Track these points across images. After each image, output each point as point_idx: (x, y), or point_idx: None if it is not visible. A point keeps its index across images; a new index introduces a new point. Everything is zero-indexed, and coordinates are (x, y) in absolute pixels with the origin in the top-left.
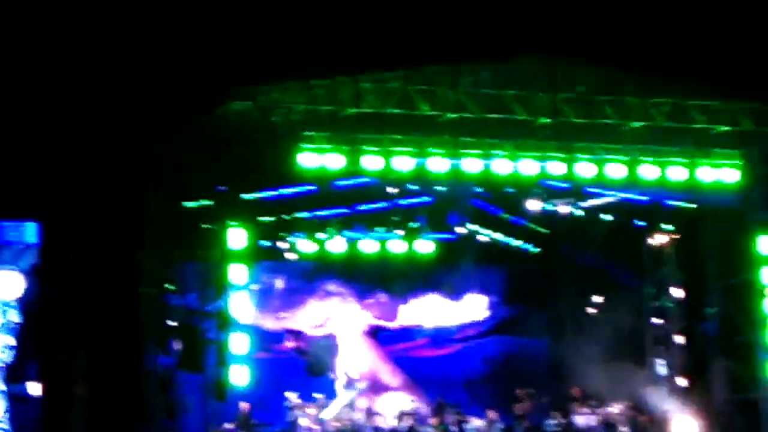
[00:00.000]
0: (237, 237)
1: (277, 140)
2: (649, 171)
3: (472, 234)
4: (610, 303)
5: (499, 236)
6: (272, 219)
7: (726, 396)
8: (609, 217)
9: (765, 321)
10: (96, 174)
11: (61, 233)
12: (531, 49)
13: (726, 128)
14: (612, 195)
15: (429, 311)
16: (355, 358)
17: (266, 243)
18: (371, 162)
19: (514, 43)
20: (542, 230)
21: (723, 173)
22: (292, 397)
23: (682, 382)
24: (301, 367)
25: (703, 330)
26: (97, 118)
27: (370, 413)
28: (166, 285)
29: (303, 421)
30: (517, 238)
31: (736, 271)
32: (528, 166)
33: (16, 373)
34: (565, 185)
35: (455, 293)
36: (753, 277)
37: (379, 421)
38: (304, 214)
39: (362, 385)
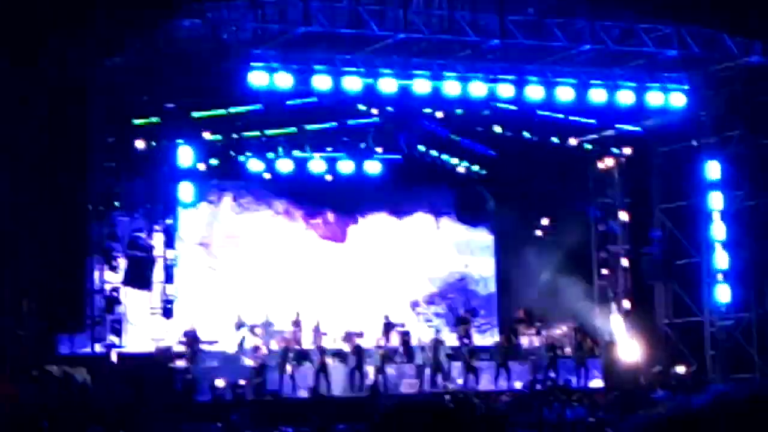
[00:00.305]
0: (185, 155)
1: (227, 59)
2: (597, 94)
3: (421, 155)
4: (556, 226)
5: (447, 157)
6: (221, 138)
7: (669, 319)
8: (556, 140)
9: (708, 244)
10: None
11: (6, 152)
12: None
13: (674, 53)
14: (560, 118)
15: (377, 231)
16: (302, 277)
17: (215, 161)
18: (321, 82)
19: None
20: (490, 152)
21: (670, 97)
22: (238, 315)
23: (626, 304)
24: (249, 285)
25: (647, 253)
26: (40, 31)
27: (315, 332)
28: (114, 202)
29: (249, 340)
30: (465, 160)
31: (681, 195)
32: (477, 88)
33: None
34: (514, 108)
35: (402, 213)
36: (698, 201)
37: (325, 341)
38: (253, 133)
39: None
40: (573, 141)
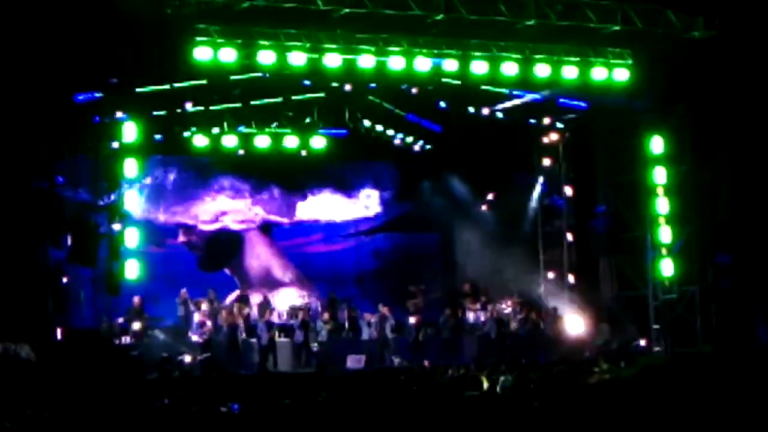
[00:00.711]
0: (129, 130)
1: (171, 32)
2: (542, 69)
3: (366, 130)
4: (501, 200)
5: (391, 132)
6: (165, 113)
7: (614, 292)
8: (501, 115)
9: (653, 219)
10: None
11: None
12: None
13: (617, 27)
14: (504, 93)
15: (322, 207)
16: (248, 254)
17: (159, 137)
18: (265, 56)
19: None
20: (435, 127)
21: (614, 72)
22: (183, 292)
23: (571, 278)
24: (194, 261)
25: (592, 227)
26: None
27: (262, 308)
28: (58, 178)
29: (195, 316)
30: (410, 135)
31: (626, 170)
32: (422, 63)
33: None
34: (458, 82)
35: (348, 189)
36: (642, 175)
37: (273, 316)
38: (198, 108)
39: (255, 280)
40: (517, 115)
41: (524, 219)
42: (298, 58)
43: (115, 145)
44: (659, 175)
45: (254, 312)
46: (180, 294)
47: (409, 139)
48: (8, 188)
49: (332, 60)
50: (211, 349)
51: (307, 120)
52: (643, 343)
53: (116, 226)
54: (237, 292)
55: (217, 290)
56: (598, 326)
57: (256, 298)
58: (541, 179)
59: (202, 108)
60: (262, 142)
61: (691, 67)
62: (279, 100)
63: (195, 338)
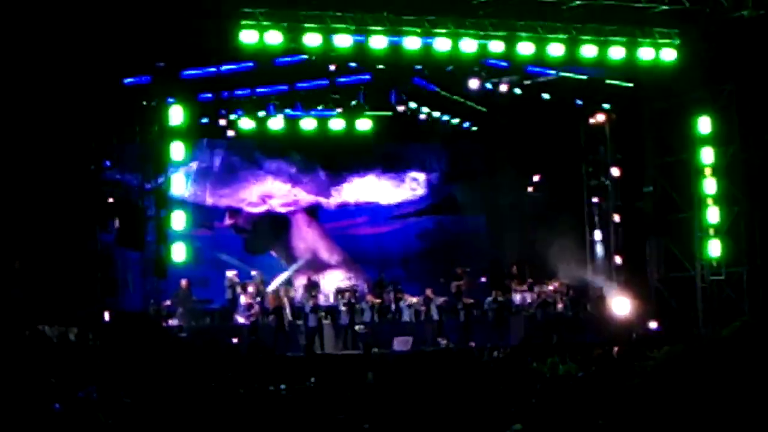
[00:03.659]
0: (176, 114)
1: (217, 16)
2: (588, 50)
3: (412, 112)
4: (548, 181)
5: (438, 114)
6: (212, 96)
7: (661, 274)
8: (547, 96)
9: (700, 199)
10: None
11: None
12: None
13: (665, 7)
14: (552, 74)
15: (368, 189)
16: (295, 236)
17: (205, 120)
18: (311, 39)
19: None
20: (481, 108)
21: (661, 52)
22: (231, 274)
23: (618, 260)
24: (241, 244)
25: (639, 208)
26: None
27: (308, 290)
28: (106, 162)
29: (242, 298)
30: (456, 117)
31: (673, 150)
32: (468, 45)
33: None
34: (504, 64)
35: (394, 171)
36: (690, 156)
37: (318, 298)
38: (244, 92)
39: (301, 262)
40: (564, 96)
41: (571, 200)
42: (343, 40)
43: (162, 128)
44: (707, 155)
45: (299, 294)
46: (228, 277)
47: (455, 121)
48: (57, 172)
49: (378, 42)
50: (258, 332)
51: (353, 102)
52: (654, 325)
53: (163, 210)
54: (284, 275)
55: (264, 272)
56: (645, 308)
57: (301, 280)
58: (587, 161)
59: (248, 91)
60: (308, 124)
61: (738, 46)
62: (325, 82)
63: (242, 320)
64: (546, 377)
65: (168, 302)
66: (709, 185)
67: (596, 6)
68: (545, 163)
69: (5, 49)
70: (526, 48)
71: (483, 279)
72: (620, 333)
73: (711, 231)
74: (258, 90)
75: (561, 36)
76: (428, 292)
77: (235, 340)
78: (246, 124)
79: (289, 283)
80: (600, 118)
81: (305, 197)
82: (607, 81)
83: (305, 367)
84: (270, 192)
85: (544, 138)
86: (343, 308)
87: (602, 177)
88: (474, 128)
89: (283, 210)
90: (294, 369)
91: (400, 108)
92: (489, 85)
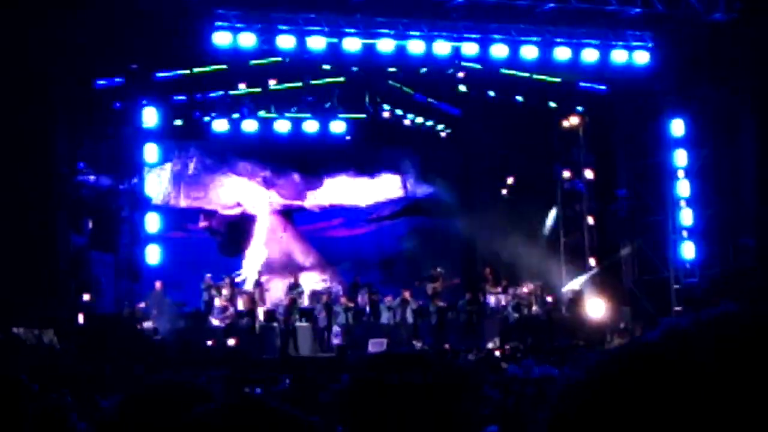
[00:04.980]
0: (149, 116)
1: (190, 18)
2: (561, 53)
3: (385, 114)
4: (521, 184)
5: (412, 117)
6: (185, 98)
7: (635, 276)
8: (521, 99)
9: (674, 202)
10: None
11: None
12: None
13: (638, 10)
14: (525, 76)
15: (343, 191)
16: (269, 239)
17: (179, 122)
18: (285, 41)
19: None
20: (454, 111)
21: (634, 55)
22: (208, 277)
23: (592, 262)
24: (215, 246)
25: (613, 211)
26: None
27: (289, 291)
28: (79, 164)
29: (216, 301)
30: (430, 119)
31: (647, 153)
32: (442, 47)
33: None
34: (478, 66)
35: (368, 173)
36: (663, 158)
37: (299, 300)
38: (217, 94)
39: (276, 264)
40: (537, 99)
41: (544, 203)
42: (317, 43)
43: (136, 130)
44: (680, 157)
45: (276, 296)
46: (204, 279)
47: (429, 123)
48: (29, 174)
49: (351, 44)
50: (233, 334)
51: (327, 105)
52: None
53: (137, 212)
54: (256, 277)
55: (237, 275)
56: (619, 310)
57: (277, 283)
58: (561, 163)
59: (221, 93)
60: (282, 127)
61: (712, 49)
62: (298, 84)
63: (216, 323)
64: (520, 379)
65: (142, 304)
66: (683, 187)
67: (570, 9)
68: (519, 165)
69: None
70: (499, 50)
71: (457, 281)
72: (594, 335)
73: (684, 233)
74: (231, 92)
75: (534, 39)
76: (406, 294)
77: (209, 343)
78: (220, 126)
79: (263, 286)
80: (573, 120)
81: (279, 200)
82: (581, 84)
83: (280, 369)
84: (244, 194)
85: (517, 141)
86: (318, 311)
87: (576, 179)
88: (448, 130)
89: (257, 212)
90: (269, 371)
91: (373, 110)
92: (463, 88)
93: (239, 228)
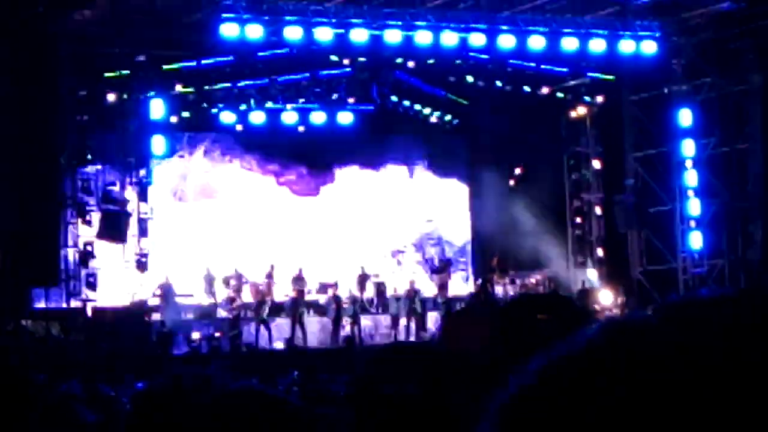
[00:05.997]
0: (157, 107)
1: (198, 10)
2: (569, 43)
3: (393, 105)
4: (529, 174)
5: (419, 107)
6: (192, 90)
7: (642, 266)
8: (528, 89)
9: (681, 192)
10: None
11: None
12: None
13: (645, 0)
14: (532, 66)
15: (351, 182)
16: (277, 229)
17: (186, 114)
18: (292, 32)
19: None
20: (462, 101)
21: (642, 45)
22: (210, 268)
23: (599, 252)
24: (223, 237)
25: (620, 201)
26: None
27: (294, 283)
28: (87, 156)
29: (224, 292)
30: (437, 109)
31: (654, 143)
32: (449, 38)
33: None
34: (485, 57)
35: (376, 164)
36: (671, 148)
37: (305, 291)
38: (225, 85)
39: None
40: (545, 90)
41: (552, 193)
42: (324, 34)
43: (143, 122)
44: (688, 147)
45: (286, 286)
46: (207, 271)
47: (437, 114)
48: (39, 166)
49: (358, 35)
50: (240, 325)
51: (334, 96)
52: None
53: (145, 204)
54: (265, 269)
55: (244, 266)
56: (627, 300)
57: (287, 274)
58: (569, 153)
59: (228, 84)
60: (289, 118)
61: (719, 39)
62: (306, 75)
63: (224, 314)
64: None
65: (150, 296)
66: (691, 177)
67: None
68: (526, 156)
69: None
70: (507, 41)
71: (466, 271)
72: None
73: (692, 223)
74: (238, 83)
75: (542, 29)
76: (412, 285)
77: (217, 334)
78: (227, 117)
79: (272, 277)
80: (581, 110)
81: (287, 190)
82: (588, 74)
83: (287, 361)
84: (251, 185)
85: (525, 131)
86: (326, 302)
87: (583, 169)
88: (455, 121)
89: (263, 204)
90: (276, 363)
91: (381, 101)
92: (470, 78)
93: (247, 219)
